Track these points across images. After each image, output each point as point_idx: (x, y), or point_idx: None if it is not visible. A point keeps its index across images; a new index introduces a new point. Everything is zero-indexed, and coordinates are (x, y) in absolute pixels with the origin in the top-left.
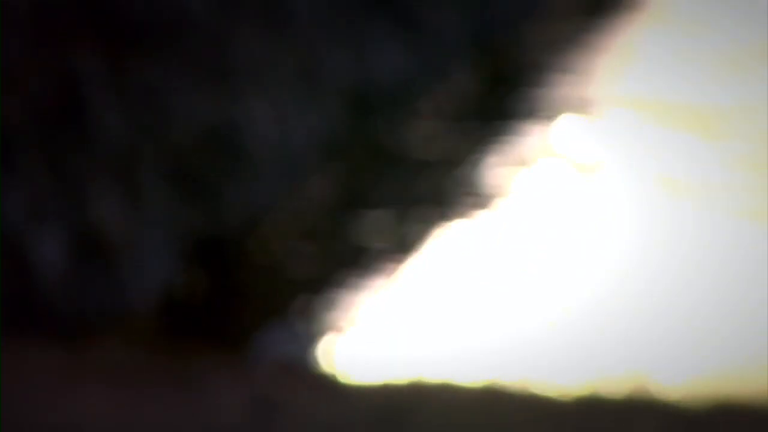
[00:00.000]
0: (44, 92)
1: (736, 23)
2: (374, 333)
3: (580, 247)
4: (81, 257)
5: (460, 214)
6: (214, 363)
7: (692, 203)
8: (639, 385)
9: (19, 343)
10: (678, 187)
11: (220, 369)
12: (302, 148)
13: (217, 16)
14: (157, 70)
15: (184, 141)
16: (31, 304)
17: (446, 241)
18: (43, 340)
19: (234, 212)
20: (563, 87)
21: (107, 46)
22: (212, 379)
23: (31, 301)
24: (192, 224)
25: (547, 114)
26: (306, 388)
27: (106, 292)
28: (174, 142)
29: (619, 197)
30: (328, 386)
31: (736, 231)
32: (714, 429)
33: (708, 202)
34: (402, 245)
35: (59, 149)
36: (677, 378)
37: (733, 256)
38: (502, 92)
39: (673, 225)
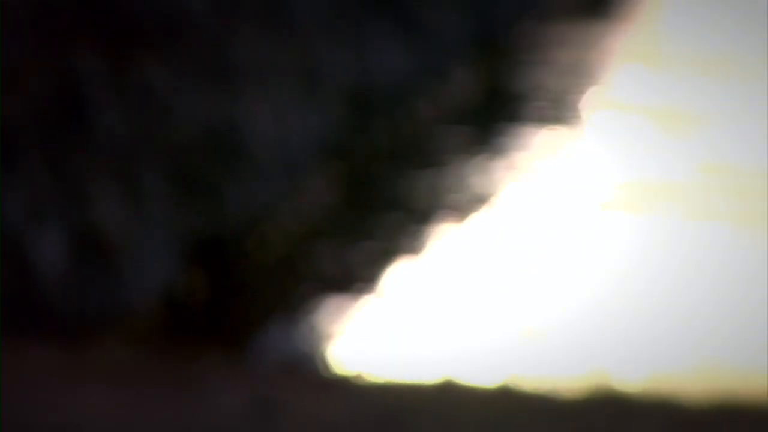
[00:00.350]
0: (44, 92)
1: (736, 23)
2: (375, 333)
3: (580, 247)
4: (81, 257)
5: (460, 214)
6: (215, 363)
7: (692, 204)
8: (639, 384)
9: (19, 343)
10: (677, 189)
11: (221, 369)
12: (302, 148)
13: (218, 16)
14: (157, 70)
15: (184, 141)
16: (31, 304)
17: (447, 241)
18: (43, 340)
19: (234, 212)
20: (562, 88)
21: (107, 46)
22: (212, 378)
23: (31, 301)
24: (192, 224)
25: (547, 114)
26: (306, 387)
27: (106, 292)
28: (174, 142)
29: (619, 198)
30: (329, 386)
31: (736, 232)
32: (715, 428)
33: (708, 203)
34: (403, 245)
35: (59, 149)
36: (679, 377)
37: (733, 257)
38: (501, 93)
39: (672, 226)
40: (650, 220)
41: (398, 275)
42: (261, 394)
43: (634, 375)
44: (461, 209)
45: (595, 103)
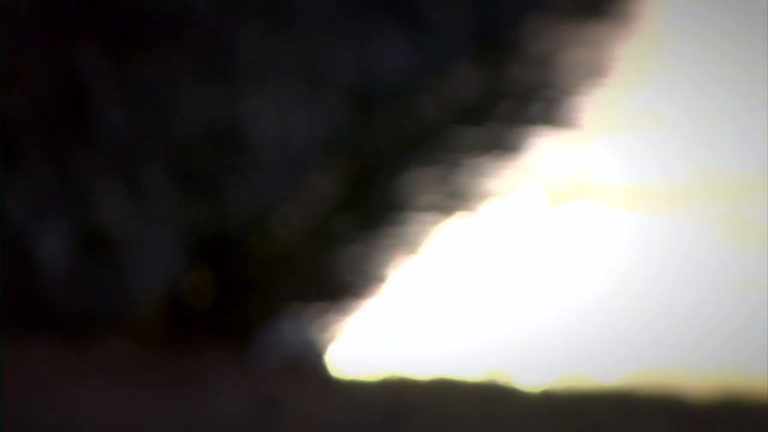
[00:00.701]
0: (46, 91)
1: (736, 23)
2: (377, 331)
3: (580, 247)
4: (84, 255)
5: (461, 212)
6: (217, 361)
7: (692, 205)
8: (639, 384)
9: (20, 342)
10: (677, 189)
11: (223, 367)
12: (305, 146)
13: (220, 13)
14: (160, 68)
15: (187, 138)
16: (33, 302)
17: (447, 240)
18: (45, 338)
19: (237, 210)
20: (564, 88)
21: (109, 44)
22: (215, 377)
23: (33, 299)
24: (195, 222)
25: (549, 114)
26: (309, 386)
27: (108, 290)
28: (177, 140)
29: (619, 199)
30: (331, 384)
31: (736, 233)
32: (716, 427)
33: (708, 204)
34: (405, 244)
35: (61, 147)
36: (679, 377)
37: (733, 257)
38: (503, 92)
39: (672, 227)
40: (650, 221)
41: (400, 274)
42: (263, 392)
43: (633, 375)
44: (462, 208)
45: (597, 104)
